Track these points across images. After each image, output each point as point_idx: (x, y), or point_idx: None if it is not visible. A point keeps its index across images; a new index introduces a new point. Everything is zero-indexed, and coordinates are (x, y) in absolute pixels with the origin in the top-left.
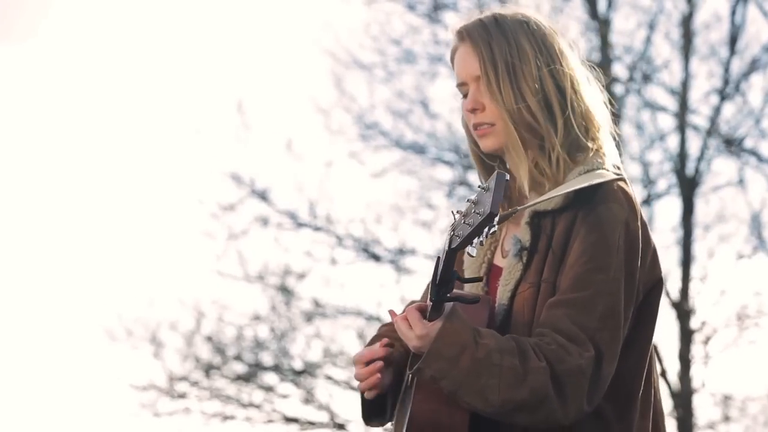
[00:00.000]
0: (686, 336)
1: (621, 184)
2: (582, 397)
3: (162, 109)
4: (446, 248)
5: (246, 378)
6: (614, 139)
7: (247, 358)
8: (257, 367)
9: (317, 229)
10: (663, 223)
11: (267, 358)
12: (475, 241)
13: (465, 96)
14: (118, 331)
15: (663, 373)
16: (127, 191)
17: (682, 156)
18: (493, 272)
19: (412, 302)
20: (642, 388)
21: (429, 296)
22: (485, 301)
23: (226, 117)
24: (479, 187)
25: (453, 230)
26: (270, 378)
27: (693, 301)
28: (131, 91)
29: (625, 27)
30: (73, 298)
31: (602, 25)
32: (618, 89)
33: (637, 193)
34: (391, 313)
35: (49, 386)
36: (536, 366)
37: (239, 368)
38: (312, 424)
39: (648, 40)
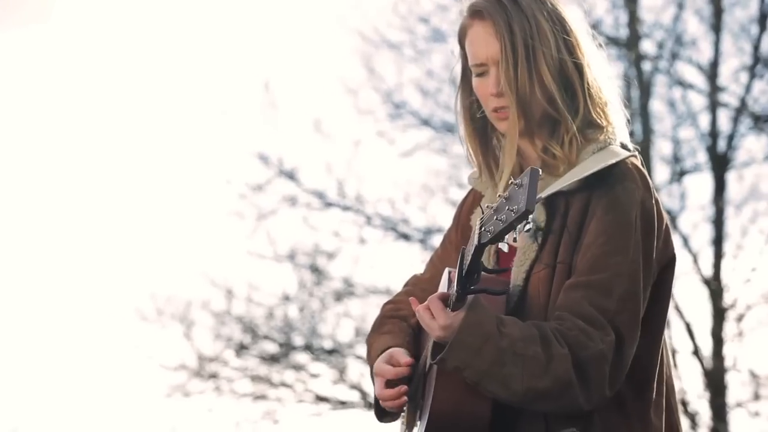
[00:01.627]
0: (719, 314)
1: (634, 161)
2: (604, 382)
3: (189, 89)
4: (475, 243)
5: (277, 358)
6: (624, 116)
7: (277, 337)
8: (288, 347)
9: (346, 208)
10: (695, 201)
11: (297, 338)
12: (507, 237)
13: (479, 75)
14: (149, 311)
15: (696, 352)
16: (157, 172)
17: (713, 133)
18: (501, 257)
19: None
20: (657, 367)
21: (455, 287)
22: (506, 285)
23: (254, 97)
24: (511, 182)
25: (482, 225)
26: (301, 357)
27: (725, 278)
28: (158, 72)
29: (654, 3)
30: (103, 278)
31: (630, 1)
32: (647, 66)
33: (668, 171)
34: (413, 301)
35: (80, 367)
36: (559, 353)
37: (270, 348)
38: (343, 403)
39: (677, 17)
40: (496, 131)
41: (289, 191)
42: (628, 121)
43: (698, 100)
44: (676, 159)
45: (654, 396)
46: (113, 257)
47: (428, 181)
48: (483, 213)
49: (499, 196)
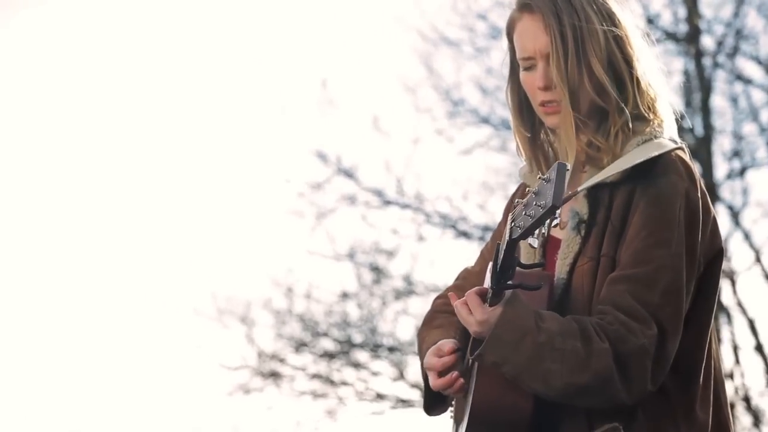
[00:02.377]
0: None
1: (679, 153)
2: (646, 377)
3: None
4: (507, 238)
5: (337, 356)
6: (675, 111)
7: (337, 336)
8: (348, 345)
9: (405, 206)
10: (757, 196)
11: (357, 336)
12: (536, 232)
13: (527, 68)
14: (211, 310)
15: (758, 347)
16: (217, 171)
17: None
18: (550, 244)
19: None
20: (704, 361)
21: (490, 283)
22: (546, 280)
23: (312, 95)
24: (540, 177)
25: (513, 220)
26: (361, 356)
27: None
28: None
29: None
30: (165, 278)
31: None
32: (707, 62)
33: (730, 166)
34: (451, 296)
35: (144, 367)
36: (599, 348)
37: (330, 346)
38: (403, 401)
39: (737, 12)
40: (544, 125)
41: (348, 189)
42: (683, 116)
43: (759, 95)
44: (737, 154)
45: (700, 390)
46: (175, 257)
47: (487, 178)
48: (515, 208)
49: (528, 190)
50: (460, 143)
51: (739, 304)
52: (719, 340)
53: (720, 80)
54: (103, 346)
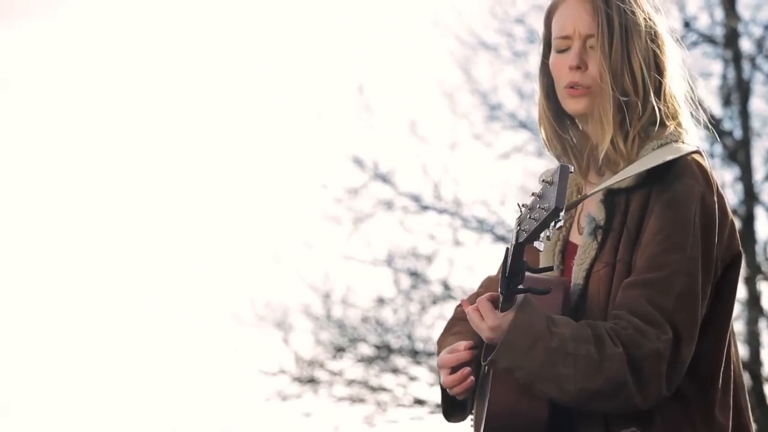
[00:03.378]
0: None
1: (696, 157)
2: (660, 381)
3: (283, 94)
4: (513, 242)
5: (375, 361)
6: (697, 118)
7: (376, 341)
8: (386, 350)
9: (442, 211)
10: None
11: (396, 341)
12: (542, 235)
13: (561, 51)
14: (248, 316)
15: None
16: (256, 177)
17: None
18: (569, 249)
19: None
20: (723, 365)
21: (499, 288)
22: (559, 284)
23: (348, 100)
24: (543, 180)
25: (519, 224)
26: (399, 361)
27: None
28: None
29: (755, 1)
30: (204, 282)
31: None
32: (746, 64)
33: None
34: (464, 303)
35: (181, 374)
36: (612, 353)
37: (368, 351)
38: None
39: None
40: (571, 117)
41: (385, 195)
42: (720, 120)
43: None
44: None
45: (720, 395)
46: (214, 263)
47: (525, 182)
48: (521, 212)
49: (532, 194)
50: (497, 148)
51: None
52: (758, 344)
53: (759, 82)
54: (143, 353)
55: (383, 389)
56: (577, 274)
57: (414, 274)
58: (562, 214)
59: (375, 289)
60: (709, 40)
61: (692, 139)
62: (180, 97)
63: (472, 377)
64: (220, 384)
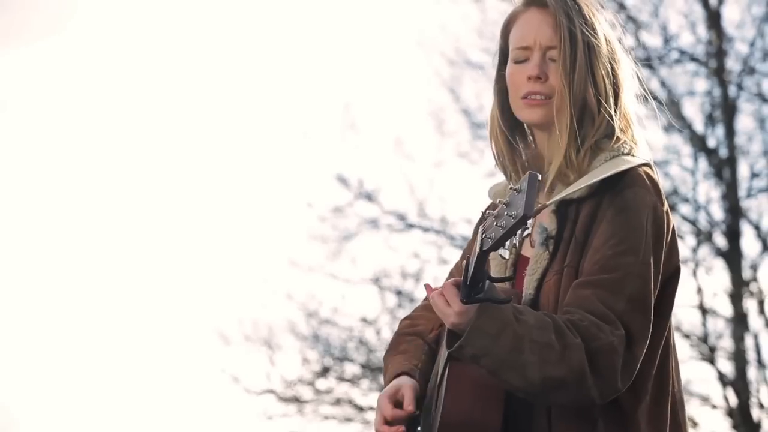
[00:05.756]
0: None
1: (646, 169)
2: (616, 375)
3: (269, 113)
4: (477, 250)
5: (361, 380)
6: (644, 134)
7: (362, 360)
8: (372, 369)
9: (427, 230)
10: None
11: (383, 361)
12: (508, 243)
13: (519, 61)
14: (235, 335)
15: None
16: (240, 197)
17: None
18: (520, 263)
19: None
20: (654, 376)
21: (461, 296)
22: (514, 295)
23: (334, 119)
24: (511, 188)
25: (485, 232)
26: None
27: None
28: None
29: (739, 18)
30: (188, 301)
31: (714, 17)
32: (731, 83)
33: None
34: (427, 287)
35: (167, 393)
36: (573, 342)
37: (354, 370)
38: None
39: (762, 33)
40: (523, 131)
41: (370, 213)
42: (704, 137)
43: None
44: (764, 174)
45: (650, 407)
46: (200, 283)
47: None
48: (486, 220)
49: (499, 201)
50: (483, 166)
51: (767, 325)
52: (745, 361)
53: (744, 100)
54: (130, 372)
55: (370, 408)
56: (529, 284)
57: (400, 293)
58: (530, 221)
59: (361, 308)
60: (693, 58)
61: (642, 152)
62: (168, 115)
63: None
64: (206, 403)
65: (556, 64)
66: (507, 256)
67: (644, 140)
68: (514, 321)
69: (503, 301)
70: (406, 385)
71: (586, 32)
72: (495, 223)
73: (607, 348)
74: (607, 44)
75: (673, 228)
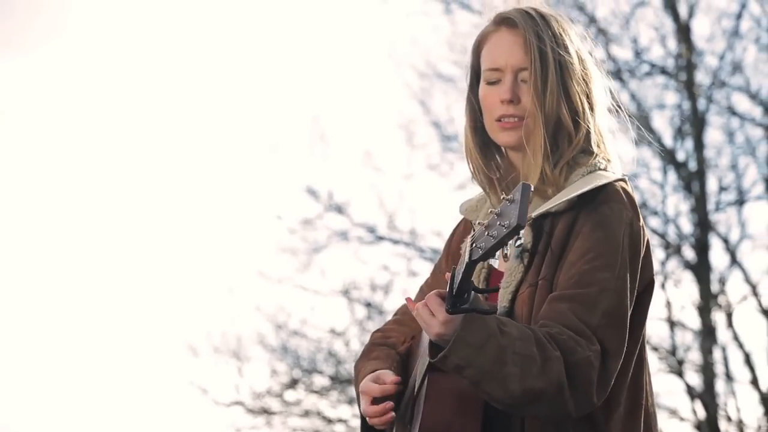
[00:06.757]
0: None
1: (622, 185)
2: (592, 388)
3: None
4: (466, 260)
5: (330, 392)
6: (618, 149)
7: (331, 372)
8: (341, 381)
9: (397, 242)
10: (753, 230)
11: (352, 372)
12: (498, 253)
13: (491, 83)
14: (203, 347)
15: (754, 381)
16: (209, 210)
17: None
18: (493, 276)
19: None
20: (627, 389)
21: (445, 306)
22: (493, 306)
23: (303, 132)
24: (503, 198)
25: (474, 242)
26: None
27: None
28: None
29: (709, 32)
30: (157, 312)
31: (684, 30)
32: (701, 96)
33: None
34: (408, 300)
35: (135, 405)
36: (553, 355)
37: (323, 382)
38: None
39: (732, 47)
40: (498, 146)
41: (340, 225)
42: (673, 150)
43: (755, 130)
44: (732, 188)
45: (623, 420)
46: (168, 295)
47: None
48: (474, 230)
49: (490, 212)
50: (453, 178)
51: (736, 339)
52: (713, 374)
53: (714, 113)
54: (96, 382)
55: (339, 420)
56: (503, 297)
57: (369, 305)
58: (522, 231)
59: (331, 320)
60: (663, 71)
61: (616, 167)
62: (138, 126)
63: (393, 413)
64: (174, 415)
65: (528, 86)
66: (497, 266)
67: (616, 155)
68: (499, 332)
69: (488, 311)
70: (384, 371)
71: (557, 51)
72: (486, 233)
73: (585, 362)
74: (579, 60)
75: (648, 241)
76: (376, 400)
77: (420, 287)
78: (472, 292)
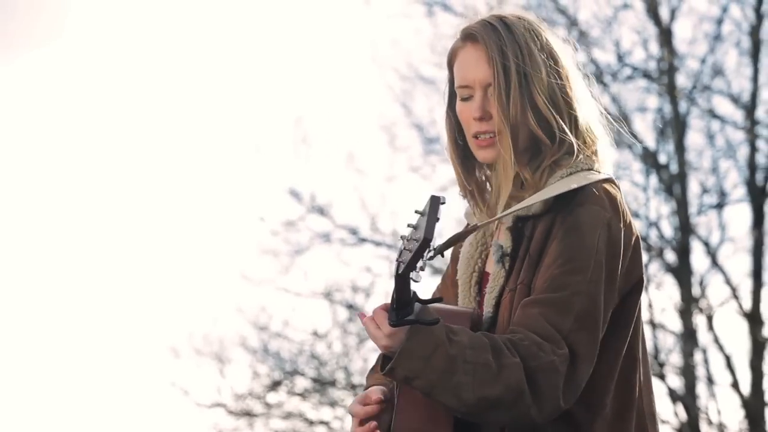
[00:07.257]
0: (758, 347)
1: (605, 185)
2: (557, 394)
3: (221, 127)
4: (395, 274)
5: (312, 394)
6: (612, 152)
7: (313, 374)
8: (323, 383)
9: (379, 244)
10: (733, 233)
11: (333, 375)
12: (418, 265)
13: (464, 99)
14: (184, 348)
15: (735, 384)
16: (192, 211)
17: (751, 166)
18: (485, 279)
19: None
20: (615, 390)
21: (389, 319)
22: (463, 315)
23: (286, 134)
24: (416, 211)
25: (399, 256)
26: (337, 394)
27: (765, 310)
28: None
29: (691, 36)
30: (140, 314)
31: (666, 34)
32: (683, 99)
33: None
34: (360, 315)
35: (116, 405)
36: (510, 362)
37: (305, 384)
38: None
39: (713, 50)
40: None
41: (322, 227)
42: (655, 153)
43: (736, 133)
44: (714, 191)
45: (611, 422)
46: (151, 296)
47: (462, 216)
48: (402, 244)
49: (408, 225)
50: (435, 181)
51: (716, 341)
52: (694, 377)
53: (696, 117)
54: (77, 384)
55: (321, 422)
56: (488, 302)
57: (351, 307)
58: (432, 244)
59: (313, 322)
60: (645, 74)
61: (607, 167)
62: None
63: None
64: (156, 416)
65: (495, 99)
66: (419, 280)
67: (609, 155)
68: (447, 342)
69: (432, 322)
70: (373, 388)
71: (522, 61)
72: (404, 247)
73: (547, 366)
74: (549, 67)
75: (637, 240)
76: (363, 421)
77: (437, 287)
78: (417, 303)
